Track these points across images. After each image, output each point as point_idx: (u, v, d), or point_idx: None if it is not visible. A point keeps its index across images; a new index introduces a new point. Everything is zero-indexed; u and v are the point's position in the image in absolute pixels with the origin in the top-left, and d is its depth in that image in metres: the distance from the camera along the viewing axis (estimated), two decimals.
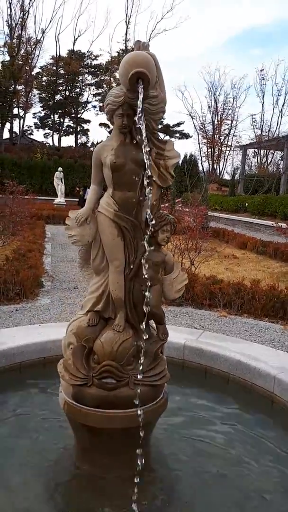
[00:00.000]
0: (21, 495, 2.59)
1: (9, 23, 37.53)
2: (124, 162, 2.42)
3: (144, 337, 2.59)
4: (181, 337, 4.43)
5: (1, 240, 7.37)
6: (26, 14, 37.80)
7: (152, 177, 2.50)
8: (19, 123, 42.50)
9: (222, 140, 43.19)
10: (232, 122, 42.98)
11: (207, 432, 3.31)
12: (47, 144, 43.42)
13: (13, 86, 37.26)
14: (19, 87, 39.65)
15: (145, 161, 2.30)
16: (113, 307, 2.63)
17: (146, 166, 2.36)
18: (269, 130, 38.68)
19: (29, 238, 9.60)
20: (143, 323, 2.59)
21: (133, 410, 2.51)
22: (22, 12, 37.40)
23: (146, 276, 2.49)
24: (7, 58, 37.93)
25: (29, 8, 37.99)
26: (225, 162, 45.05)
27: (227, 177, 40.34)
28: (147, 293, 2.49)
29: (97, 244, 2.62)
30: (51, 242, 12.27)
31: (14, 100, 38.75)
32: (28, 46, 39.98)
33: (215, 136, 42.84)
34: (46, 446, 2.99)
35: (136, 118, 2.35)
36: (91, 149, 44.63)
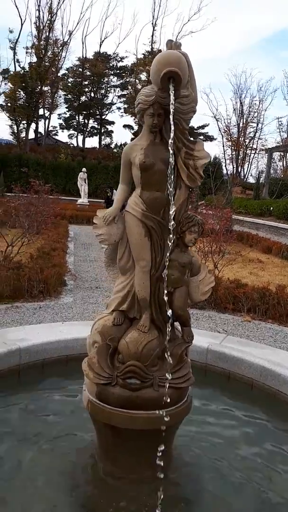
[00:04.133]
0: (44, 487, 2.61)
1: (37, 25, 38.18)
2: (153, 162, 2.41)
3: (169, 339, 2.58)
4: (204, 341, 4.38)
5: (26, 238, 7.46)
6: (54, 16, 38.42)
7: (180, 177, 2.48)
8: (44, 123, 43.25)
9: (247, 143, 42.74)
10: (257, 125, 42.51)
11: (229, 437, 3.26)
12: (71, 145, 43.94)
13: (39, 87, 37.86)
14: (45, 88, 40.26)
15: (170, 160, 2.28)
16: (138, 307, 2.62)
17: (170, 166, 2.34)
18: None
19: (53, 237, 9.71)
20: (168, 324, 2.58)
21: (156, 411, 2.49)
22: (50, 14, 38.00)
23: (172, 277, 2.47)
24: (34, 59, 38.57)
25: (57, 10, 38.63)
26: (249, 165, 44.55)
27: (251, 180, 39.84)
28: (175, 294, 2.47)
29: (123, 244, 2.61)
30: (74, 241, 12.39)
31: (40, 101, 39.38)
32: (55, 48, 40.56)
33: (240, 138, 42.42)
34: (64, 448, 2.99)
35: (167, 118, 2.33)
36: (115, 150, 44.92)
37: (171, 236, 2.40)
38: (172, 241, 2.40)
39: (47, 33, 38.41)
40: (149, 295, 2.57)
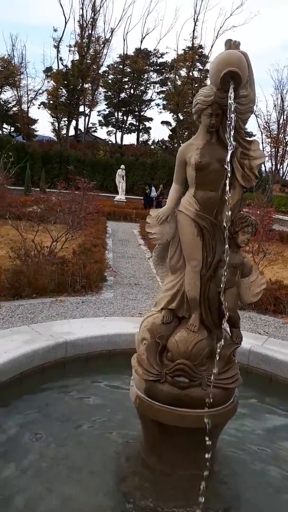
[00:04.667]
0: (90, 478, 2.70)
1: (81, 23, 38.74)
2: (209, 161, 2.41)
3: (218, 339, 2.59)
4: (245, 342, 4.29)
5: (70, 234, 7.64)
6: (97, 14, 38.83)
7: (235, 177, 2.47)
8: (84, 120, 43.85)
9: (287, 140, 41.54)
10: None
11: (271, 440, 3.23)
12: (109, 142, 44.36)
13: (80, 84, 38.44)
14: (86, 86, 40.81)
15: (227, 161, 2.28)
16: (187, 307, 2.64)
17: (226, 165, 2.34)
18: None
19: (93, 233, 9.88)
20: (221, 324, 2.59)
21: (204, 410, 2.50)
22: (93, 12, 38.45)
23: (223, 277, 2.47)
24: (77, 57, 39.18)
25: (100, 8, 38.98)
26: None
27: None
28: (222, 295, 2.47)
29: (175, 243, 2.63)
30: (112, 238, 12.54)
31: (81, 98, 39.97)
32: (97, 45, 41.02)
33: (280, 135, 41.30)
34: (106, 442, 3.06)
35: (224, 118, 2.33)
36: (152, 147, 44.93)
37: (226, 236, 2.40)
38: (226, 241, 2.39)
39: (90, 31, 38.90)
40: (199, 295, 2.58)
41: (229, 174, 2.31)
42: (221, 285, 2.41)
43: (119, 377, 3.96)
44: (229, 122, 2.24)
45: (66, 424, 3.21)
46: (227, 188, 2.32)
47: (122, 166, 23.36)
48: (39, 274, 6.09)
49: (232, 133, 2.24)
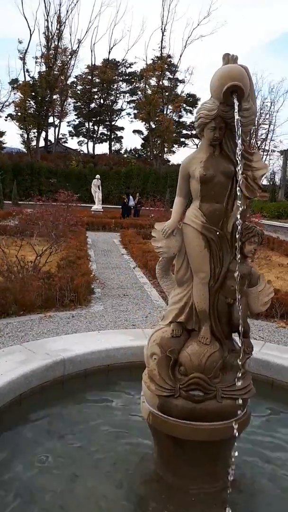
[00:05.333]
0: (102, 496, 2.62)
1: (46, 34, 38.60)
2: (214, 174, 2.43)
3: (229, 350, 2.60)
4: None
5: (54, 248, 7.52)
6: (63, 25, 38.83)
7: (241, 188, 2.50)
8: (54, 131, 43.62)
9: (259, 145, 42.62)
10: (269, 126, 42.40)
11: (278, 444, 3.25)
12: (81, 152, 44.24)
13: (49, 95, 38.25)
14: (55, 96, 40.65)
15: (239, 173, 2.30)
16: (196, 319, 2.63)
17: (238, 178, 2.36)
18: None
19: (75, 245, 9.77)
20: (231, 335, 2.60)
21: (220, 423, 2.50)
22: (58, 24, 38.40)
23: (232, 288, 2.49)
24: (44, 68, 38.98)
25: (65, 20, 39.01)
26: None
27: (264, 182, 39.67)
28: (235, 305, 2.48)
29: (181, 256, 2.62)
30: (93, 248, 12.44)
31: (50, 109, 39.75)
32: (64, 56, 40.97)
33: (252, 140, 42.32)
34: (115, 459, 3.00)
35: (228, 131, 2.36)
36: (125, 156, 45.12)
37: (236, 247, 2.42)
38: (236, 252, 2.41)
39: (56, 42, 38.83)
40: (208, 307, 2.57)
41: (239, 187, 2.32)
42: (236, 295, 2.40)
43: (121, 393, 3.91)
44: (237, 137, 2.26)
45: (73, 445, 3.12)
46: (238, 201, 2.34)
47: (98, 176, 23.31)
48: (25, 290, 5.95)
49: (240, 146, 2.26)
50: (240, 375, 2.48)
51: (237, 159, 2.28)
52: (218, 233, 2.49)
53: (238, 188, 2.43)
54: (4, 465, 2.83)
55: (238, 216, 2.33)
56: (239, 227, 2.35)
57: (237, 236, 2.36)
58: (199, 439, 2.50)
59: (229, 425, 2.50)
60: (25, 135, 38.48)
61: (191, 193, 2.57)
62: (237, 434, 2.56)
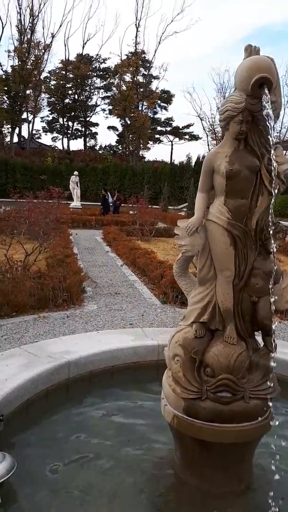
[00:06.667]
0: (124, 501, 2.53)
1: (19, 28, 37.65)
2: (240, 169, 2.36)
3: (253, 349, 2.56)
4: None
5: (42, 247, 7.31)
6: (36, 18, 37.96)
7: (263, 183, 2.45)
8: (28, 127, 42.66)
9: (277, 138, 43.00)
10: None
11: None
12: (56, 148, 43.53)
13: (22, 90, 37.35)
14: (28, 91, 39.74)
15: (272, 168, 2.25)
16: (220, 318, 2.57)
17: (262, 172, 2.32)
18: (286, 130, 38.21)
19: (61, 243, 9.56)
20: (254, 334, 2.55)
21: (247, 424, 2.45)
22: (31, 17, 37.53)
23: (256, 286, 2.44)
24: (17, 63, 38.02)
25: (38, 13, 38.14)
26: None
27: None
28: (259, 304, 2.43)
29: (205, 254, 2.55)
30: (77, 246, 12.22)
31: (23, 104, 38.84)
32: (37, 51, 40.08)
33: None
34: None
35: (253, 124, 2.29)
36: (100, 152, 44.71)
37: (261, 243, 2.37)
38: (270, 248, 2.36)
39: (29, 36, 37.94)
40: (232, 306, 2.51)
41: (273, 181, 2.27)
42: (273, 298, 2.35)
43: (129, 393, 3.83)
44: (270, 131, 2.20)
45: (87, 450, 3.00)
46: (274, 194, 2.28)
47: (76, 173, 22.96)
48: (17, 290, 5.75)
49: (273, 140, 2.20)
50: (271, 375, 2.43)
51: (270, 153, 2.22)
52: (243, 229, 2.43)
53: (269, 182, 2.38)
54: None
55: (271, 211, 2.27)
56: (270, 222, 2.29)
57: (270, 231, 2.30)
58: (227, 441, 2.45)
59: (256, 426, 2.46)
60: None
61: (215, 189, 2.50)
62: (261, 435, 2.53)
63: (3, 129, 37.44)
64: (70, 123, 45.80)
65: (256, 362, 2.52)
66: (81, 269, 7.38)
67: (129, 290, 7.48)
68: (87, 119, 46.22)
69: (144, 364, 4.31)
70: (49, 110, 45.66)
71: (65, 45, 43.52)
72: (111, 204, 22.09)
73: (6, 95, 37.02)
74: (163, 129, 48.81)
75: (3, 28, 36.15)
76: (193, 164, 36.45)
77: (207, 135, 43.31)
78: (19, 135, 42.57)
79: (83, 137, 47.00)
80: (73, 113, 44.60)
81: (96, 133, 48.89)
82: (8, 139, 38.19)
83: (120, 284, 7.90)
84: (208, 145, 43.71)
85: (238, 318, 2.54)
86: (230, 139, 2.41)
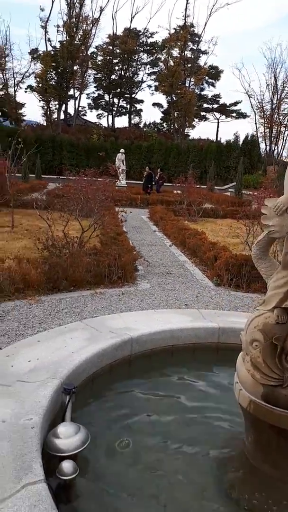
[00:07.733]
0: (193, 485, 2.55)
1: (68, 1, 37.40)
2: None
3: None
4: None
5: (97, 224, 7.37)
6: None
7: None
8: (74, 104, 42.89)
9: (281, 120, 41.23)
10: None
11: None
12: (101, 125, 43.51)
13: (70, 66, 37.36)
14: (75, 67, 39.69)
15: None
16: None
17: None
18: None
19: (111, 221, 9.61)
20: None
21: None
22: None
23: None
24: (65, 38, 37.91)
25: None
26: (284, 143, 43.04)
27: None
28: None
29: None
30: (124, 225, 12.26)
31: (70, 80, 38.91)
32: (85, 25, 39.77)
33: (274, 115, 40.95)
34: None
35: None
36: (144, 129, 44.24)
37: None
38: None
39: (78, 10, 37.64)
40: None
41: None
42: None
43: (194, 372, 3.81)
44: None
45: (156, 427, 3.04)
46: None
47: (122, 150, 22.86)
48: (75, 266, 5.85)
49: None
50: None
51: None
52: None
53: None
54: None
55: None
56: None
57: None
58: None
59: None
60: (46, 107, 37.92)
61: None
62: None
63: (50, 106, 37.80)
64: (116, 100, 45.49)
65: None
66: (134, 248, 7.39)
67: (180, 270, 7.43)
68: (133, 95, 45.71)
69: (203, 346, 4.28)
70: (95, 87, 45.62)
71: (113, 19, 43.12)
72: (154, 183, 21.92)
73: (54, 71, 37.21)
74: (210, 106, 47.45)
75: (53, 1, 35.98)
76: (240, 142, 35.32)
77: (255, 113, 41.81)
78: (66, 112, 42.90)
79: (127, 114, 46.66)
80: (118, 89, 44.22)
81: (141, 110, 48.40)
82: (55, 115, 38.58)
83: (171, 264, 7.86)
84: (255, 123, 42.20)
85: None
86: None
